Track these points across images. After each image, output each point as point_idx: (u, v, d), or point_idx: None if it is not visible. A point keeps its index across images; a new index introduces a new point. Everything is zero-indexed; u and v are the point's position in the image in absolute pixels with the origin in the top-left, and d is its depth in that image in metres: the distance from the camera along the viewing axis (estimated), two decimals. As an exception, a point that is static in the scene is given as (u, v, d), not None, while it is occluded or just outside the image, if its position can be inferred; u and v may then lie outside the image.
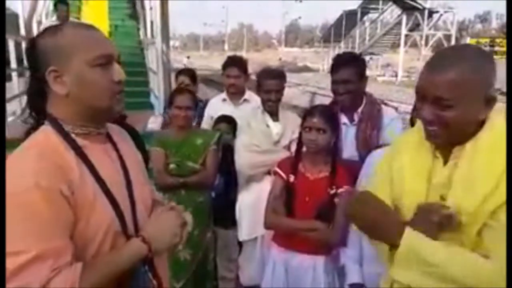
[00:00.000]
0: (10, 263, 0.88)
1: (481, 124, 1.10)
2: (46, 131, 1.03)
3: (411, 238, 1.07)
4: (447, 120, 1.06)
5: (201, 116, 3.18)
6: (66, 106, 1.04)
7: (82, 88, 1.02)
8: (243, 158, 2.51)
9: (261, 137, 2.48)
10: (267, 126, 2.52)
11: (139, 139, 2.22)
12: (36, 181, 0.91)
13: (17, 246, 0.89)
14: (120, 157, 1.15)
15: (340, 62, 2.24)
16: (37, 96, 1.06)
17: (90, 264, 0.96)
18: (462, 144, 1.11)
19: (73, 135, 1.04)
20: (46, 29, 1.06)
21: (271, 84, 2.45)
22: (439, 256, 1.04)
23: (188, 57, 34.64)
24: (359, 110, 2.25)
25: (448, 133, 1.09)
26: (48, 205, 0.91)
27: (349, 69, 2.18)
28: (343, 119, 2.27)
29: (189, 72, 3.59)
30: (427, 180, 1.16)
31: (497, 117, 1.11)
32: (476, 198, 1.04)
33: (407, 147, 1.24)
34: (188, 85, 3.34)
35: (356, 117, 2.26)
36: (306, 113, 2.06)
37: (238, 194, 2.64)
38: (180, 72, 3.62)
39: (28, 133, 1.05)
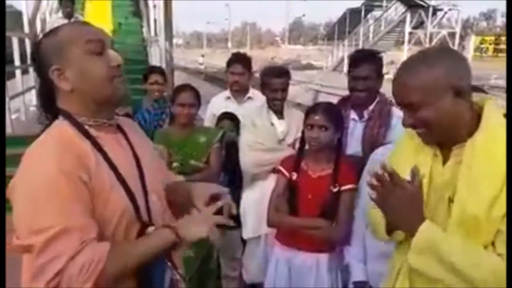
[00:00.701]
0: (37, 240, 0.90)
1: (477, 121, 1.10)
2: (60, 124, 1.07)
3: (430, 229, 1.08)
4: (424, 120, 1.10)
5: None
6: (74, 101, 1.08)
7: (84, 80, 1.06)
8: (248, 157, 2.50)
9: (266, 135, 2.47)
10: (272, 124, 2.50)
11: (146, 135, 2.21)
12: (58, 167, 0.95)
13: (43, 223, 0.92)
14: (132, 147, 1.17)
15: (361, 58, 2.21)
16: (48, 95, 1.10)
17: (114, 249, 0.97)
18: (461, 142, 1.12)
19: (86, 127, 1.07)
20: (47, 32, 1.11)
21: (276, 82, 2.42)
22: (452, 249, 1.05)
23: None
24: (370, 107, 2.24)
25: (433, 132, 1.12)
26: (71, 187, 0.95)
27: (369, 65, 2.16)
28: (353, 115, 2.26)
29: (160, 70, 3.52)
30: (428, 179, 1.17)
31: (492, 115, 1.11)
32: (482, 201, 1.04)
33: (408, 146, 1.24)
34: (162, 83, 3.29)
35: (366, 114, 2.24)
36: (309, 111, 2.05)
37: (243, 192, 2.63)
38: (151, 70, 3.49)
39: (44, 130, 1.08)
